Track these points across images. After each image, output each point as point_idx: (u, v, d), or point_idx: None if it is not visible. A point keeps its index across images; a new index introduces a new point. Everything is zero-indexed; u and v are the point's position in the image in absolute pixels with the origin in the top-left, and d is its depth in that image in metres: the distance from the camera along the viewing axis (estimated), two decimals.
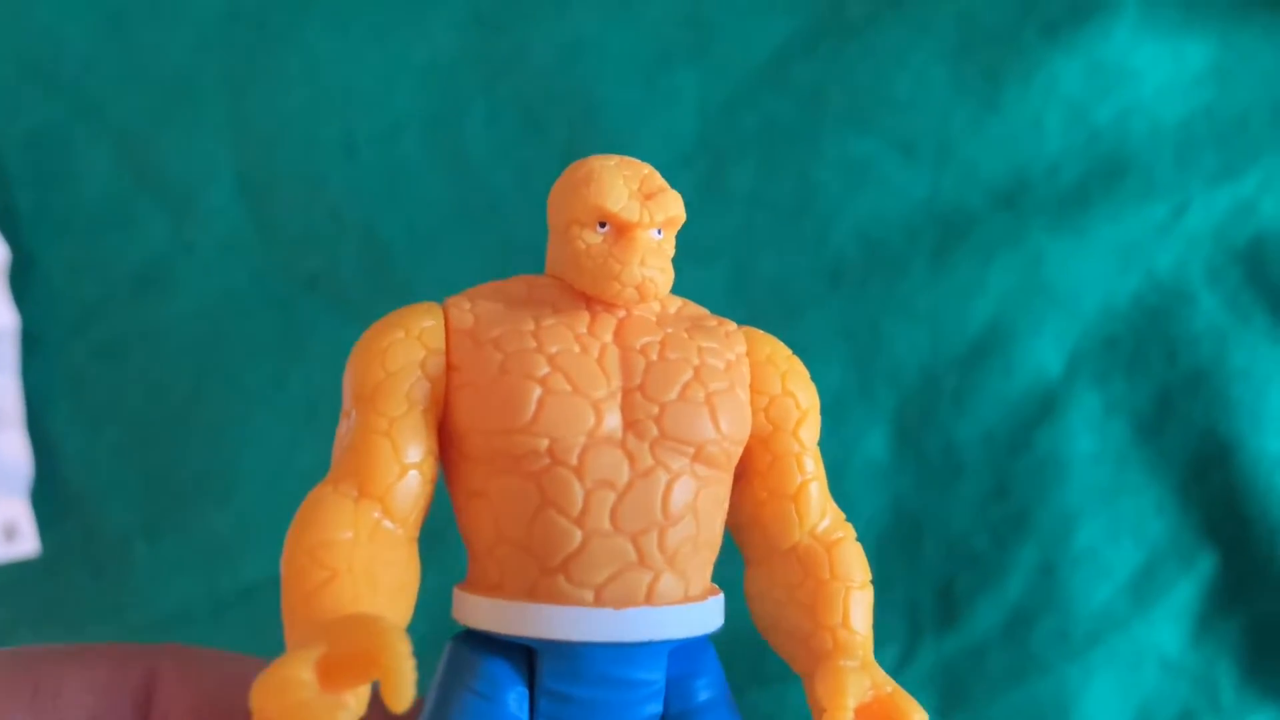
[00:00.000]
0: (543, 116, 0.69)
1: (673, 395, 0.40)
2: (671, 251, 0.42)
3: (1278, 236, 0.68)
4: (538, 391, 0.39)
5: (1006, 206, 0.69)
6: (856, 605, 0.41)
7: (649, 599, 0.39)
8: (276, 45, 0.69)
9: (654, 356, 0.41)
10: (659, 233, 0.42)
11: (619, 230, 0.41)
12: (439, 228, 0.69)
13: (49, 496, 0.67)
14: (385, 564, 0.37)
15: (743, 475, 0.43)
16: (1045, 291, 0.69)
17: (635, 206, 0.41)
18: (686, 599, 0.39)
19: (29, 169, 0.68)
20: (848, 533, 0.43)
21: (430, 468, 0.39)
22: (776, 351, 0.44)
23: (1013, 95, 0.68)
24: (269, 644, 0.38)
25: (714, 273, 0.70)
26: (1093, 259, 0.69)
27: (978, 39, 0.69)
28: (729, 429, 0.41)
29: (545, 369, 0.39)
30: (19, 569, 0.66)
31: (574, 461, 0.39)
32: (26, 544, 0.65)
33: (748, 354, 0.43)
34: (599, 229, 0.41)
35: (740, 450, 0.42)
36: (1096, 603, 0.68)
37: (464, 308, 0.42)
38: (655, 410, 0.40)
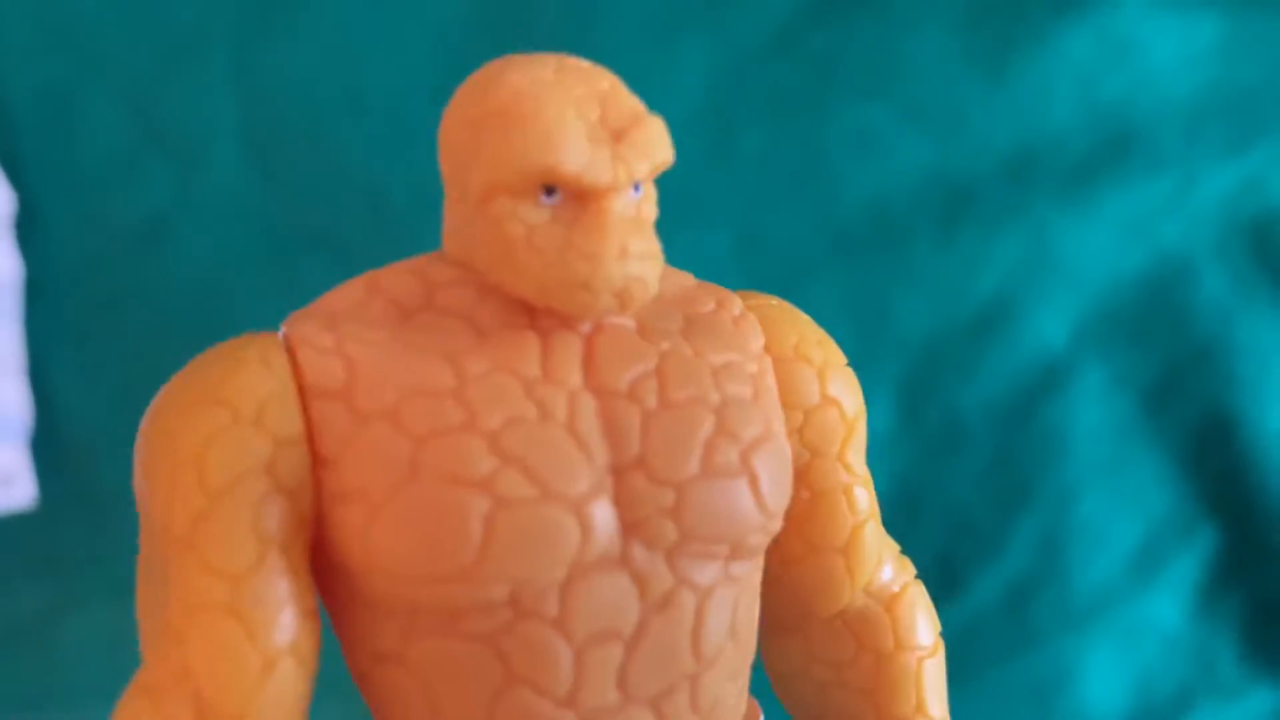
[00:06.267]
0: None
1: (693, 468, 0.26)
2: (654, 214, 0.28)
3: None
4: (483, 507, 0.24)
5: (1013, 178, 0.69)
6: (931, 681, 0.30)
7: None
8: (284, 1, 0.69)
9: (651, 402, 0.26)
10: (637, 189, 0.27)
11: (580, 200, 0.26)
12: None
13: (47, 446, 0.66)
14: None
15: None
16: (1051, 264, 0.69)
17: (603, 158, 0.26)
18: None
19: (37, 120, 0.68)
20: (908, 575, 0.32)
21: (309, 640, 0.25)
22: (805, 335, 0.30)
23: (1021, 67, 0.68)
24: None
25: (719, 238, 0.69)
26: (1098, 232, 0.68)
27: (987, 9, 0.68)
28: (779, 497, 0.27)
29: (489, 463, 0.24)
30: (15, 518, 0.65)
31: (554, 610, 0.24)
32: (22, 492, 0.64)
33: (768, 347, 0.29)
34: (544, 199, 0.26)
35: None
36: (1096, 575, 0.67)
37: (322, 345, 0.26)
38: (669, 498, 0.25)
